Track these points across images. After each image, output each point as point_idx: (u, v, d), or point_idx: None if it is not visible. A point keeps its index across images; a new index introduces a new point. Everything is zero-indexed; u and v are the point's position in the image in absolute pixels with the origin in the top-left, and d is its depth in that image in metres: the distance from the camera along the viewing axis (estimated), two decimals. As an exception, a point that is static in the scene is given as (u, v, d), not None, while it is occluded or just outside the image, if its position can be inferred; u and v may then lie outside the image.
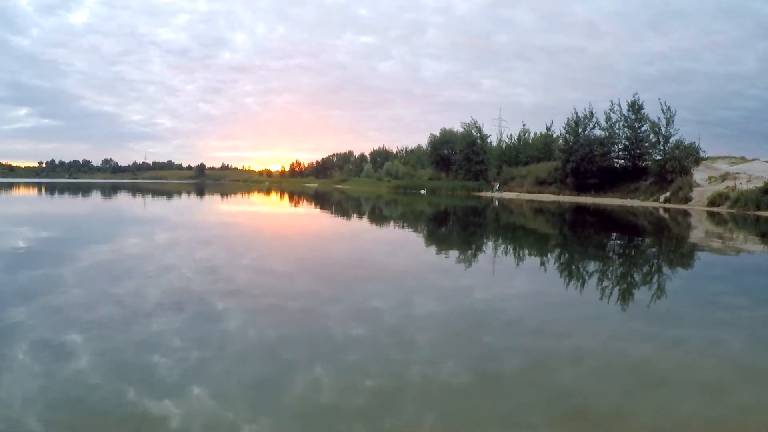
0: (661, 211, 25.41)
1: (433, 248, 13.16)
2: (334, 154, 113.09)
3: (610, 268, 10.09)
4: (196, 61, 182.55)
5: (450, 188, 51.81)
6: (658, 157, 33.85)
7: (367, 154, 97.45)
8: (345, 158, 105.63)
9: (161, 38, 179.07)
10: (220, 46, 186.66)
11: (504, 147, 57.50)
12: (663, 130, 34.03)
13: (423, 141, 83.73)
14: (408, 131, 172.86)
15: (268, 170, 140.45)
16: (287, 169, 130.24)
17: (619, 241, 14.91)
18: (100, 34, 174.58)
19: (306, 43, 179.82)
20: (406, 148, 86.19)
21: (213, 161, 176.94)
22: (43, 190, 45.84)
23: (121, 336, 4.84)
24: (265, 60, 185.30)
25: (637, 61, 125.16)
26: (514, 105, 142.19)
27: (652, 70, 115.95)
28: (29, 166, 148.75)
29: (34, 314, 5.49)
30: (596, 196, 35.69)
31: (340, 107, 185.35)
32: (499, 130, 71.26)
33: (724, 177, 27.57)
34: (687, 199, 26.73)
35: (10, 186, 53.51)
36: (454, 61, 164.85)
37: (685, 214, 23.52)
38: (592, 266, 10.36)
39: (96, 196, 36.96)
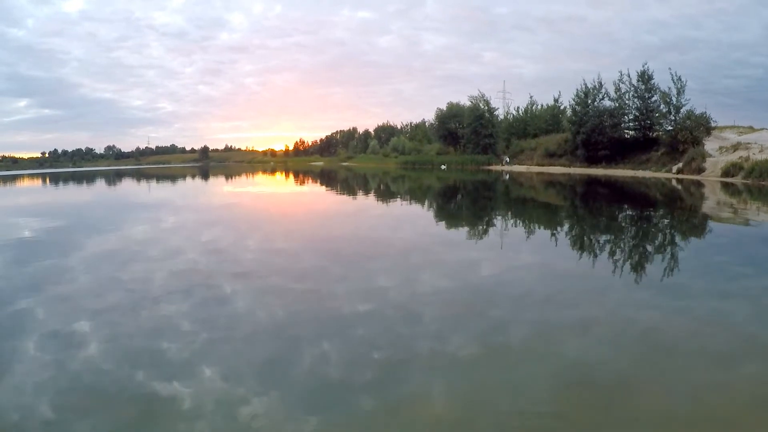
0: (674, 182, 25.36)
1: (445, 223, 13.37)
2: (337, 132, 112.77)
3: (620, 240, 10.13)
4: (194, 43, 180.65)
5: (459, 162, 51.55)
6: (669, 128, 33.79)
7: (371, 130, 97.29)
8: (349, 135, 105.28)
9: (157, 22, 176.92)
10: (217, 27, 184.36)
11: (511, 119, 57.04)
12: (674, 100, 33.94)
13: (425, 115, 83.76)
14: (409, 106, 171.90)
15: (272, 150, 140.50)
16: (291, 148, 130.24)
17: (631, 213, 14.86)
18: (96, 21, 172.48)
19: (303, 20, 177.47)
20: (410, 123, 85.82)
21: (216, 143, 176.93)
22: (48, 180, 45.52)
23: (131, 319, 5.06)
24: (263, 39, 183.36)
25: (639, 30, 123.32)
26: (516, 77, 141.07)
27: (654, 38, 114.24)
28: (32, 157, 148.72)
29: (50, 297, 5.84)
30: (608, 167, 35.62)
31: (340, 84, 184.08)
32: (505, 103, 70.70)
33: (736, 147, 27.51)
34: (700, 170, 27.02)
35: (14, 178, 53.07)
36: (453, 34, 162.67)
37: (699, 185, 23.45)
38: (601, 238, 10.42)
39: (101, 184, 37.07)
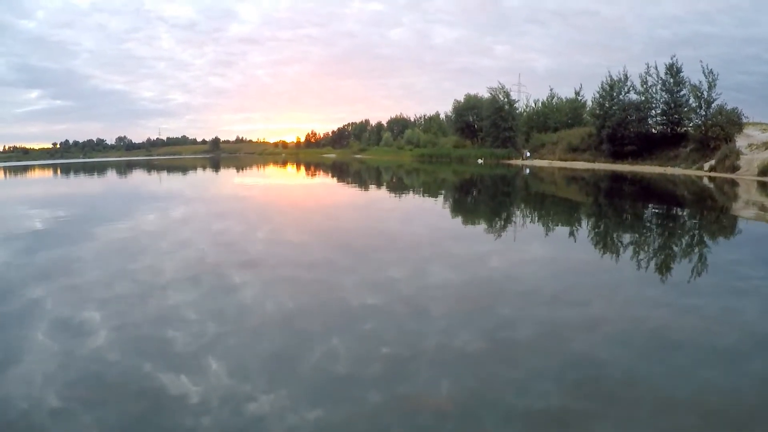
0: (706, 180, 24.89)
1: (470, 219, 13.52)
2: (349, 124, 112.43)
3: (646, 243, 9.90)
4: (204, 35, 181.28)
5: (478, 156, 51.42)
6: (698, 122, 33.12)
7: (383, 122, 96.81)
8: (361, 127, 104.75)
9: (168, 13, 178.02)
10: (228, 19, 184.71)
11: (530, 111, 56.05)
12: (705, 94, 33.17)
13: (437, 109, 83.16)
14: (420, 99, 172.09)
15: (284, 141, 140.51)
16: (303, 139, 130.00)
17: (662, 215, 14.45)
18: (106, 13, 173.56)
19: (314, 12, 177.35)
20: (424, 116, 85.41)
21: (227, 135, 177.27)
22: (59, 171, 46.01)
23: (140, 308, 5.25)
24: (274, 31, 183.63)
25: (652, 25, 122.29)
26: (528, 71, 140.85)
27: (667, 33, 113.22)
28: (44, 148, 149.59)
29: (63, 286, 6.15)
30: (634, 163, 35.11)
31: (351, 77, 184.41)
32: (524, 96, 70.22)
33: (767, 145, 27.51)
34: (734, 168, 26.54)
35: (25, 169, 53.82)
36: (465, 27, 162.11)
37: (733, 183, 23.13)
38: (625, 238, 10.25)
39: (112, 175, 37.45)
